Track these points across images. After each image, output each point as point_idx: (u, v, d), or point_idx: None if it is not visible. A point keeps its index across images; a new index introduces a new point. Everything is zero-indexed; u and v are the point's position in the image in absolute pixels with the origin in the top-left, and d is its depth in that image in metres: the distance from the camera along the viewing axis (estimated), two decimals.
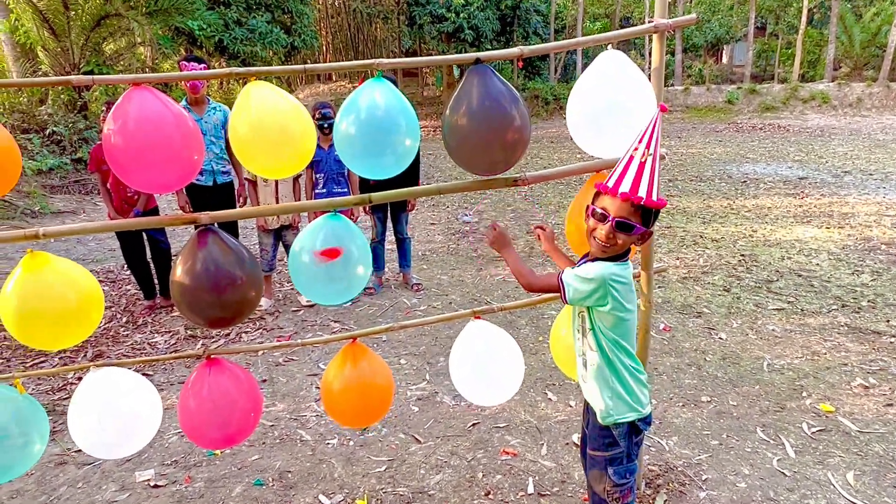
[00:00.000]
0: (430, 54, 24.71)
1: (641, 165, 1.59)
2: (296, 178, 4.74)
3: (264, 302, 4.80)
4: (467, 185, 2.07)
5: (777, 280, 5.01)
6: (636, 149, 1.61)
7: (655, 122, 1.62)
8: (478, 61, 1.89)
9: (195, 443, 2.04)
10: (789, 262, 5.47)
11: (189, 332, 4.34)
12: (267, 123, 1.79)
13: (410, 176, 4.94)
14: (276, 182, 4.69)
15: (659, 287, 4.95)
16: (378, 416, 2.22)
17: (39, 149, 9.86)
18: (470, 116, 1.85)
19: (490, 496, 2.48)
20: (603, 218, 1.64)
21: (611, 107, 1.95)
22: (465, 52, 21.03)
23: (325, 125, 4.53)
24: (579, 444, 2.07)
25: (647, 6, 24.49)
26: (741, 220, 7.02)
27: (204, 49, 16.03)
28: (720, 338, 3.97)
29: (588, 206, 1.72)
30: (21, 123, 10.26)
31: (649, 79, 2.01)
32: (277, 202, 4.58)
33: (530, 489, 2.52)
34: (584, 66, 23.59)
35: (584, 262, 1.79)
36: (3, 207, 8.00)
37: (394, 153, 1.88)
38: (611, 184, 1.63)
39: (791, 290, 4.77)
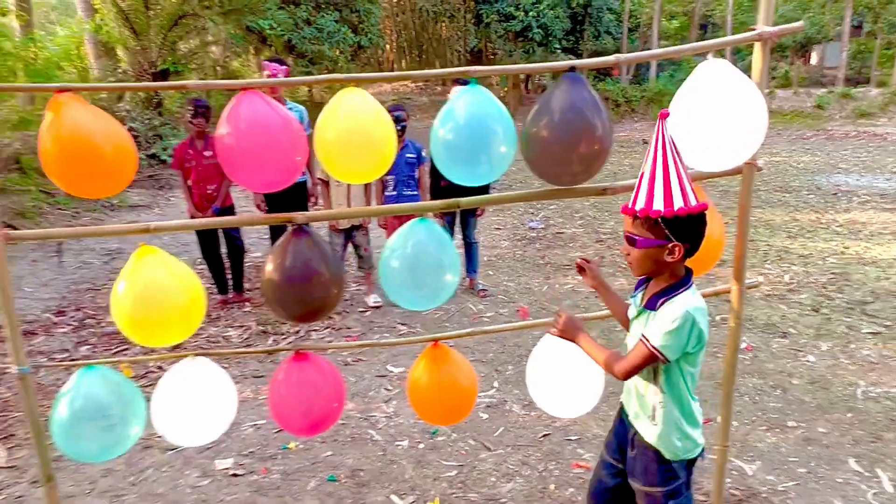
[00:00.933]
0: (496, 54, 24.65)
1: (651, 179, 1.55)
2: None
3: (370, 299, 4.91)
4: (554, 192, 2.04)
5: (873, 302, 4.67)
6: (644, 162, 1.58)
7: (660, 130, 1.56)
8: (572, 69, 1.86)
9: (284, 429, 2.12)
10: (886, 282, 5.09)
11: (261, 327, 4.50)
12: (353, 130, 1.84)
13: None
14: (349, 183, 4.81)
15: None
16: (461, 416, 2.23)
17: None
18: (552, 127, 1.83)
19: None
20: (627, 238, 1.63)
21: (713, 118, 1.86)
22: (533, 51, 20.76)
23: (398, 128, 4.60)
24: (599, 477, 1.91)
25: (729, 4, 23.46)
26: (832, 236, 6.61)
27: (273, 48, 16.65)
28: (808, 360, 3.74)
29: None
30: None
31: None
32: (349, 203, 4.68)
33: None
34: (659, 67, 22.91)
35: (640, 293, 1.73)
36: (86, 199, 8.57)
37: (489, 161, 1.89)
38: (629, 204, 1.60)
39: (888, 312, 4.44)
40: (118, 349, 4.12)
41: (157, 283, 1.86)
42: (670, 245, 1.56)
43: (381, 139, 1.84)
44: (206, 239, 4.83)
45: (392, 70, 32.04)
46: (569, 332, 1.76)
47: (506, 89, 21.25)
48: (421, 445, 2.93)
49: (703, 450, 1.75)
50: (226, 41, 12.80)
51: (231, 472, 2.75)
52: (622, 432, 1.84)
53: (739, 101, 1.82)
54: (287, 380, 2.01)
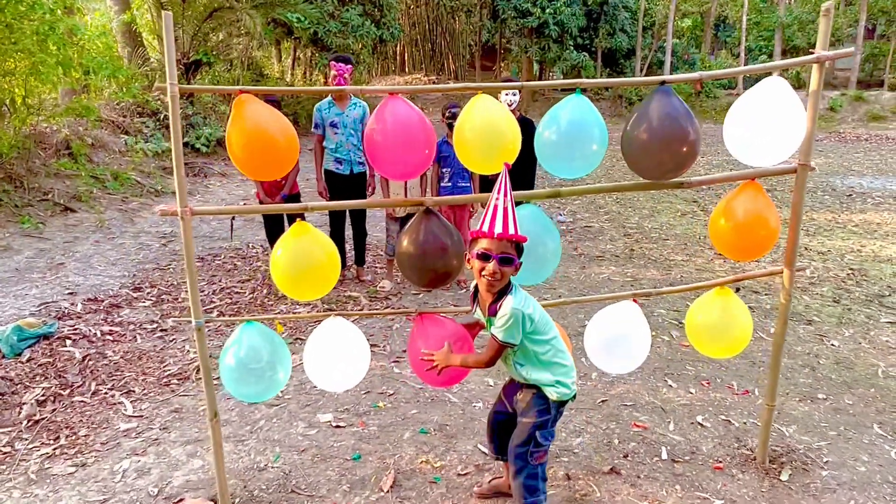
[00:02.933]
0: (510, 49, 24.93)
1: (505, 210, 2.02)
2: (423, 173, 5.21)
3: (387, 284, 5.32)
4: (643, 185, 2.42)
5: (890, 295, 5.06)
6: (496, 197, 2.02)
7: (504, 174, 2.05)
8: (663, 83, 2.25)
9: (425, 382, 2.55)
10: None
11: (325, 306, 4.89)
12: (488, 131, 2.24)
13: (527, 174, 5.32)
14: None
15: (766, 294, 5.12)
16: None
17: (153, 132, 10.83)
18: (651, 132, 2.22)
19: (628, 458, 2.84)
20: (486, 258, 2.02)
21: (768, 127, 2.26)
22: (549, 48, 21.03)
23: (455, 123, 4.97)
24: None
25: (745, 5, 23.66)
26: (848, 235, 6.98)
27: (300, 41, 16.91)
28: (832, 344, 4.14)
29: (468, 252, 2.11)
30: (136, 108, 11.27)
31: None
32: (406, 193, 5.07)
33: (664, 456, 2.85)
34: (672, 66, 23.17)
35: (477, 308, 2.23)
36: (133, 185, 8.94)
37: (582, 156, 2.28)
38: (486, 228, 2.02)
39: None
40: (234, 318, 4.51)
41: (308, 250, 2.27)
42: (519, 263, 2.08)
43: (508, 137, 2.24)
44: (273, 223, 5.20)
45: (403, 64, 32.32)
46: (445, 361, 2.25)
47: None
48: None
49: (574, 395, 2.22)
50: (259, 34, 13.14)
51: (333, 424, 3.15)
52: (512, 389, 2.35)
53: (790, 111, 2.22)
54: (423, 339, 2.40)
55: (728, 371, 3.75)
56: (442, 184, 5.14)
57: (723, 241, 2.52)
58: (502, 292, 2.09)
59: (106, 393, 3.45)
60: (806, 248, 6.46)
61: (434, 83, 26.84)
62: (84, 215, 7.38)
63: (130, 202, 8.30)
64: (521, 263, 2.09)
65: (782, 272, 2.63)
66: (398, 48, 30.86)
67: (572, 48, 21.19)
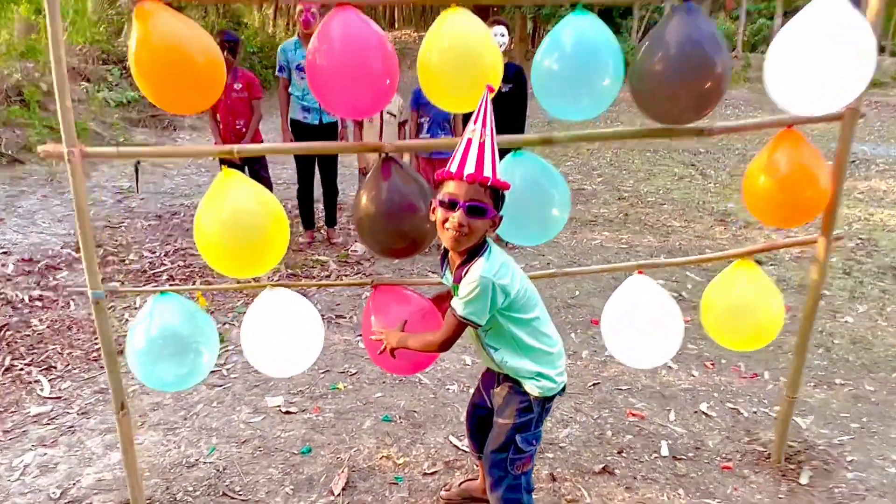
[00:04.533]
0: (502, 7, 23.88)
1: (482, 146, 1.53)
2: (402, 123, 4.69)
3: (359, 247, 4.85)
4: (651, 131, 1.95)
5: None
6: (473, 130, 1.55)
7: (486, 100, 1.56)
8: None
9: (383, 368, 2.09)
10: None
11: (289, 270, 4.41)
12: (460, 54, 1.74)
13: (516, 121, 4.78)
14: (381, 124, 4.68)
15: (771, 265, 4.71)
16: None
17: (119, 80, 10.07)
18: (667, 62, 1.73)
19: (623, 454, 2.44)
20: (452, 205, 1.53)
21: (819, 58, 1.78)
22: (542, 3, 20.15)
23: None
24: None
25: None
26: (854, 203, 6.58)
27: None
28: (846, 321, 3.75)
29: (432, 200, 1.62)
30: (101, 54, 10.46)
31: None
32: None
33: (664, 452, 2.46)
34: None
35: (447, 271, 1.74)
36: (92, 136, 8.25)
37: (590, 94, 1.80)
38: (454, 168, 1.54)
39: None
40: (145, 286, 4.03)
41: (244, 209, 1.76)
42: (498, 217, 1.60)
43: (487, 63, 1.74)
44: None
45: (392, 19, 31.08)
46: (393, 341, 1.77)
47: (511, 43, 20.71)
48: (470, 390, 2.91)
49: (562, 389, 1.78)
50: None
51: (283, 409, 2.72)
52: (489, 379, 1.90)
53: (850, 40, 1.74)
54: (380, 315, 1.94)
55: (734, 351, 3.35)
56: (421, 134, 4.62)
57: (762, 204, 2.06)
58: (473, 253, 1.61)
59: (22, 369, 2.98)
60: None
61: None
62: (34, 167, 6.76)
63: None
64: (500, 218, 1.62)
65: (816, 241, 2.19)
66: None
67: (568, 5, 20.32)
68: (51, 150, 1.78)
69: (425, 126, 4.55)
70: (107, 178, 6.89)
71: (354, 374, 3.03)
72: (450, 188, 1.55)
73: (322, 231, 5.12)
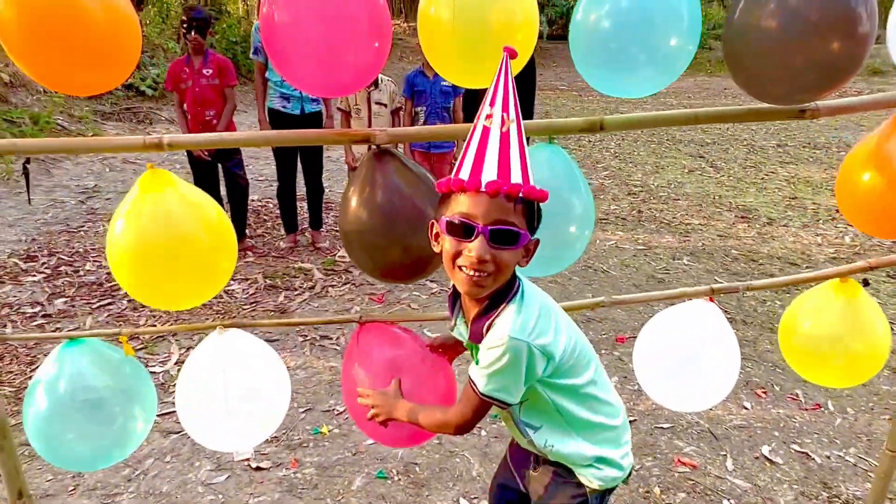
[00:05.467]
0: None
1: (505, 139, 1.01)
2: (395, 111, 4.16)
3: None
4: (736, 112, 1.44)
5: None
6: (489, 116, 1.03)
7: (505, 70, 1.04)
8: None
9: (367, 435, 1.55)
10: None
11: (268, 280, 3.89)
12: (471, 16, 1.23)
13: (524, 109, 4.27)
14: (370, 114, 4.14)
15: (807, 267, 4.24)
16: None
17: None
18: (787, 16, 1.21)
19: None
20: (467, 231, 1.01)
21: None
22: None
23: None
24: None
25: None
26: None
27: None
28: None
29: (434, 223, 1.09)
30: None
31: None
32: None
33: None
34: None
35: (459, 318, 1.20)
36: (57, 132, 7.67)
37: (654, 57, 1.28)
38: (465, 174, 1.01)
39: None
40: (100, 303, 3.49)
41: (172, 219, 1.24)
42: (533, 242, 1.08)
43: (518, 15, 1.22)
44: (203, 175, 4.14)
45: None
46: (387, 410, 1.25)
47: None
48: (483, 433, 2.41)
49: (629, 473, 1.27)
50: None
51: (253, 464, 2.20)
52: (521, 455, 1.34)
53: None
54: (364, 363, 1.43)
55: (786, 373, 2.86)
56: (417, 125, 4.09)
57: (865, 207, 1.55)
58: (499, 299, 1.09)
59: None
60: (837, 211, 5.58)
61: (416, 31, 25.17)
62: None
63: None
64: (536, 243, 1.10)
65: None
66: None
67: None
68: None
69: (422, 117, 4.02)
70: (71, 176, 6.32)
71: (341, 413, 2.52)
72: (461, 205, 1.02)
73: (306, 234, 4.58)
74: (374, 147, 1.32)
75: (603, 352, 3.05)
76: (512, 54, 1.06)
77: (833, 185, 5.71)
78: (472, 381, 1.11)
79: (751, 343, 3.15)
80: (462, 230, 1.01)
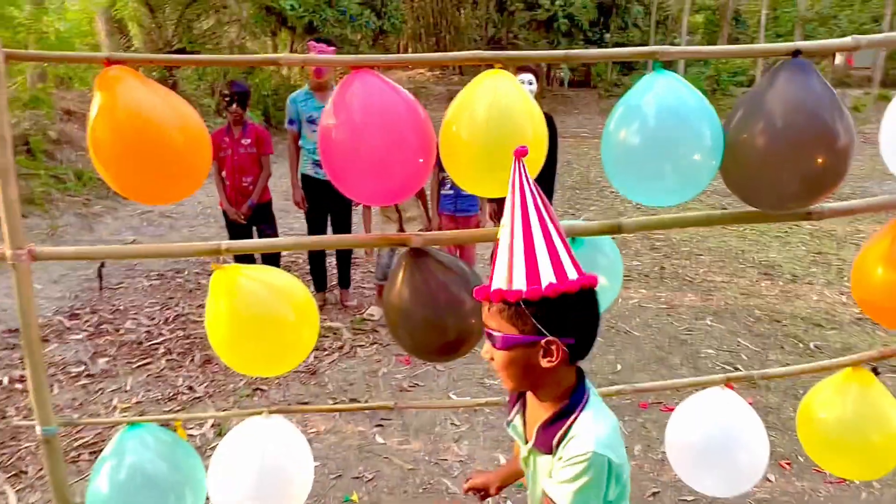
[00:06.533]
0: (516, 44, 23.94)
1: (514, 242, 1.09)
2: (420, 194, 4.30)
3: (375, 311, 4.45)
4: (748, 215, 1.56)
5: None
6: (504, 225, 1.12)
7: (520, 175, 1.10)
8: (797, 53, 1.37)
9: None
10: None
11: None
12: (497, 125, 1.37)
13: (546, 180, 4.43)
14: None
15: (832, 329, 4.24)
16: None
17: None
18: (772, 134, 1.35)
19: None
20: (490, 337, 1.14)
21: None
22: (559, 42, 20.04)
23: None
24: None
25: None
26: None
27: (294, 30, 15.98)
28: None
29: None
30: None
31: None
32: (397, 206, 4.19)
33: None
34: (686, 63, 22.16)
35: (517, 416, 1.27)
36: (98, 186, 7.73)
37: (680, 171, 1.41)
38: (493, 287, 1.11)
39: None
40: (140, 363, 3.66)
41: (257, 307, 1.41)
42: (544, 342, 1.07)
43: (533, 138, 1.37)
44: (238, 235, 4.32)
45: (402, 51, 31.41)
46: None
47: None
48: (509, 502, 2.46)
49: None
50: (244, 21, 12.25)
51: None
52: None
53: None
54: None
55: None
56: (443, 191, 4.22)
57: (883, 302, 1.63)
58: (571, 406, 1.13)
59: None
60: None
61: (438, 79, 25.89)
62: (35, 221, 6.51)
63: (93, 206, 7.42)
64: (551, 343, 1.07)
65: None
66: (401, 43, 29.95)
67: (582, 42, 20.26)
68: None
69: (448, 182, 4.18)
70: (111, 231, 6.63)
71: (371, 479, 2.60)
72: (484, 313, 1.15)
73: (334, 292, 4.74)
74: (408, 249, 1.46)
75: (626, 418, 3.09)
76: (522, 154, 1.11)
77: (857, 238, 5.73)
78: (554, 502, 1.10)
79: (774, 411, 3.17)
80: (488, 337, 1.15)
